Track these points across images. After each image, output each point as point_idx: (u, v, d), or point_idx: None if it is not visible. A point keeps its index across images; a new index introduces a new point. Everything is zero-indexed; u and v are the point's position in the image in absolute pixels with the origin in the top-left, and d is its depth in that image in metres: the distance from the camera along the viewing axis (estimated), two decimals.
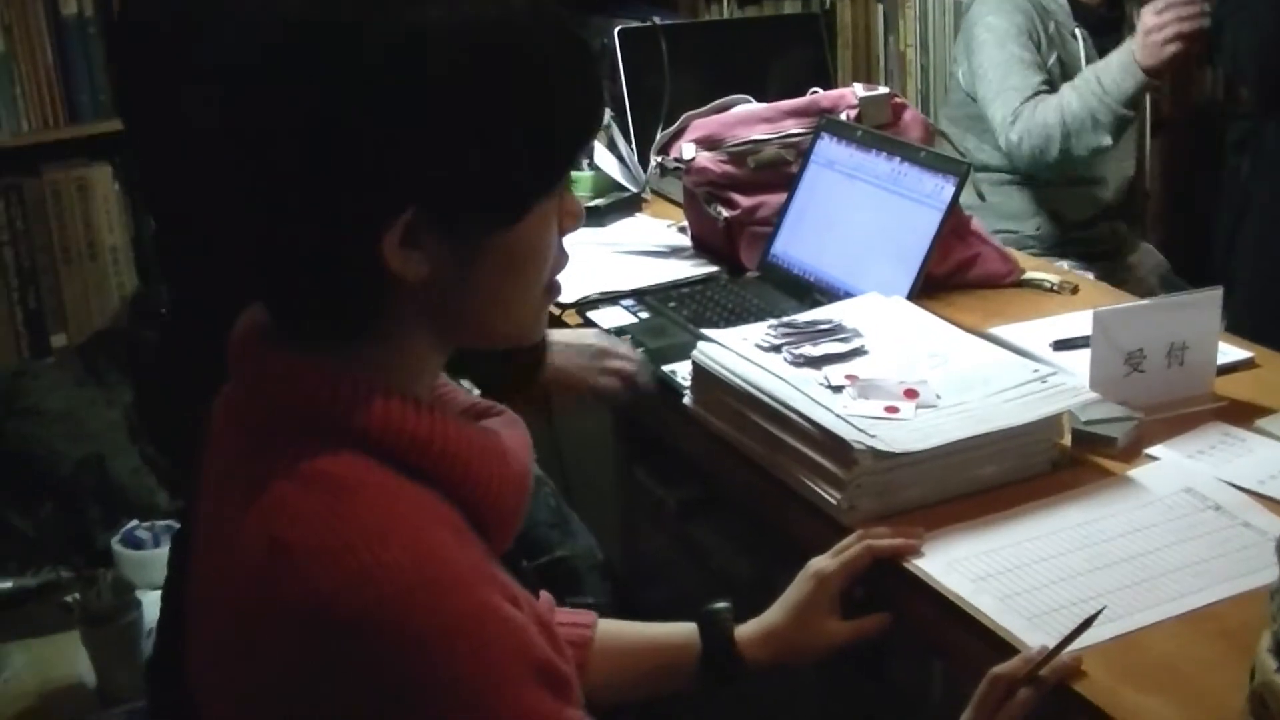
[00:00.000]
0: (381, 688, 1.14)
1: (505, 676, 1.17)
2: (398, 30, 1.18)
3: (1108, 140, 3.47)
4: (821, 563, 1.78)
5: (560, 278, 1.36)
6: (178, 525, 3.43)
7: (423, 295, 1.24)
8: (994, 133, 3.59)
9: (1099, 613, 1.55)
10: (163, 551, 3.41)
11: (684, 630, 1.78)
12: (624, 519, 2.72)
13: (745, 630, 1.78)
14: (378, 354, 1.27)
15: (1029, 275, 2.74)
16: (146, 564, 3.38)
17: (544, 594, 1.66)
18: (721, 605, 1.79)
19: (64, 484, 3.53)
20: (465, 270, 1.25)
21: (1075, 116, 3.45)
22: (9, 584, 3.36)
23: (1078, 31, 3.71)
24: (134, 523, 3.53)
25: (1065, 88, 3.52)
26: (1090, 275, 3.46)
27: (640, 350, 2.43)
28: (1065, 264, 3.57)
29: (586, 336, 2.45)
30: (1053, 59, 3.67)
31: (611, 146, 3.52)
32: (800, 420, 1.91)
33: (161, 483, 3.64)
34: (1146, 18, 3.34)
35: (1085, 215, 3.76)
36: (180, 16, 2.15)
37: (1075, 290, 2.69)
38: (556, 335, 2.41)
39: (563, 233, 1.33)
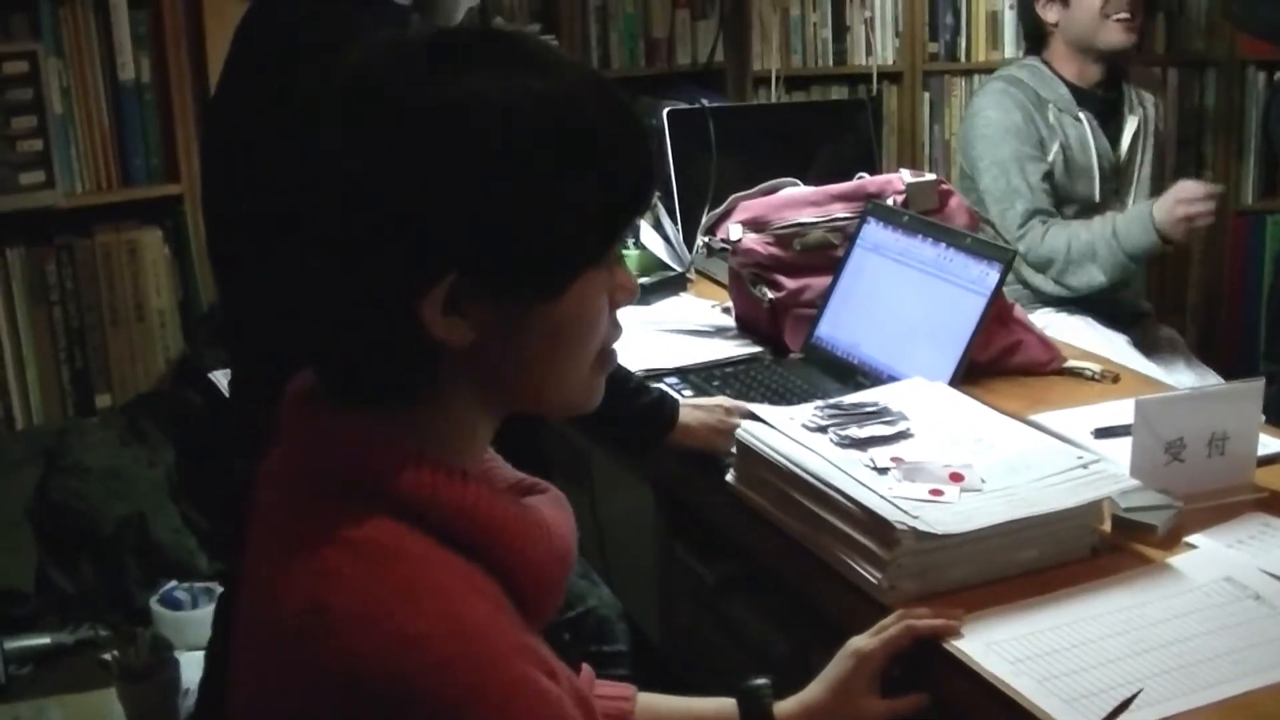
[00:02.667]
0: None
1: None
2: (445, 100, 1.19)
3: (1102, 278, 3.66)
4: (862, 641, 1.79)
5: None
6: (218, 588, 3.46)
7: (469, 362, 1.25)
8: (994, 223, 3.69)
9: (1136, 695, 1.56)
10: (200, 613, 3.44)
11: (723, 706, 1.79)
12: (662, 594, 2.73)
13: (784, 706, 1.78)
14: (426, 420, 1.27)
15: (1070, 364, 2.76)
16: (183, 625, 3.41)
17: (585, 668, 1.68)
18: (761, 681, 1.80)
19: (105, 542, 3.55)
20: (511, 338, 1.25)
21: (1081, 249, 3.64)
22: (47, 639, 3.38)
23: (1082, 115, 3.80)
24: (173, 583, 3.55)
25: (1078, 224, 3.67)
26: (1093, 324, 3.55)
27: None
28: (1080, 320, 3.64)
29: (718, 398, 2.52)
30: (1054, 149, 3.77)
31: (657, 226, 3.57)
32: (844, 500, 1.93)
33: (201, 544, 3.67)
34: (1184, 188, 3.47)
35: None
36: (263, 85, 2.21)
37: (1116, 379, 2.71)
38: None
39: (615, 306, 1.33)
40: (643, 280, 3.39)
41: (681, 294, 3.43)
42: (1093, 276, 3.65)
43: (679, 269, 3.45)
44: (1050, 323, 3.62)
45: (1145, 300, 3.95)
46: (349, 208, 1.20)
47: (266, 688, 1.23)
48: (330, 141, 1.23)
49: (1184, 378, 3.55)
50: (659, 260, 3.49)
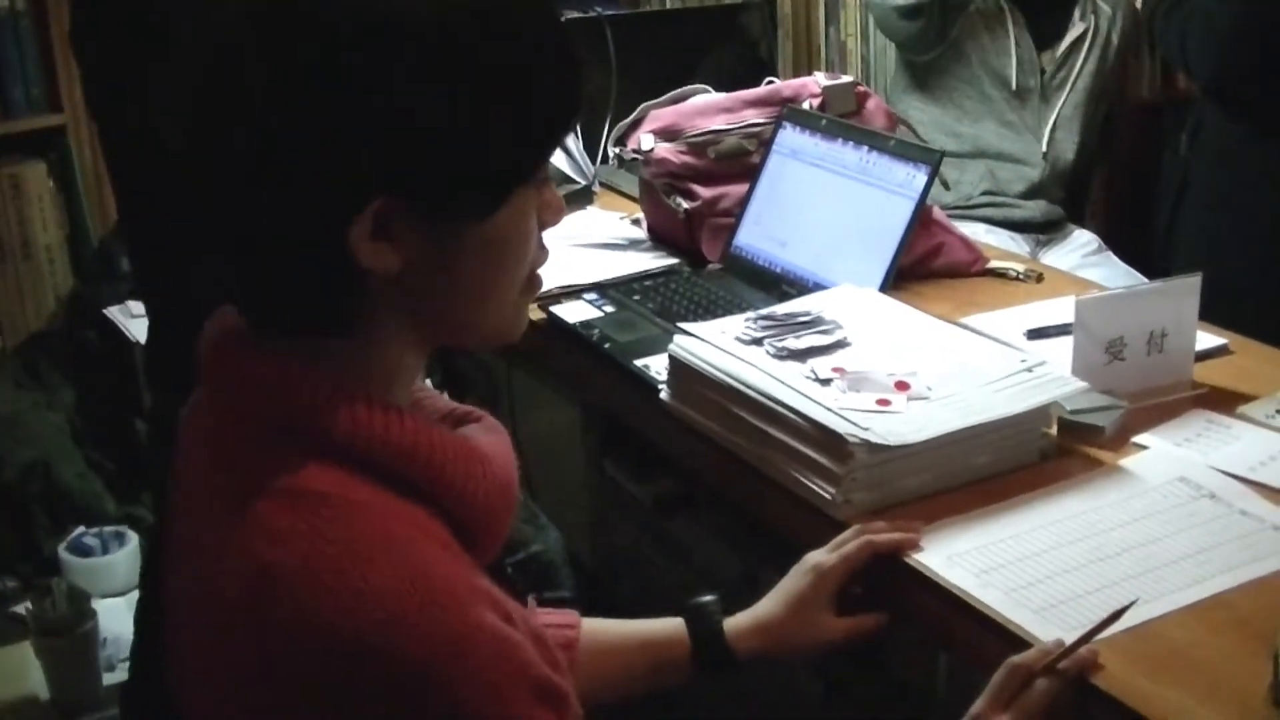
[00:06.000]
0: (378, 713, 1.10)
1: (505, 698, 1.14)
2: (363, 14, 1.13)
3: None
4: (820, 557, 1.75)
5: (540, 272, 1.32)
6: (128, 531, 3.36)
7: (398, 291, 1.20)
8: None
9: (1130, 605, 1.53)
10: (111, 559, 3.35)
11: (671, 625, 1.75)
12: (594, 515, 2.68)
13: (735, 622, 1.75)
14: (354, 355, 1.22)
15: (994, 264, 2.72)
16: (96, 572, 3.31)
17: (529, 600, 1.63)
18: (708, 598, 1.76)
19: (8, 491, 3.45)
20: (441, 263, 1.20)
21: None
22: None
23: (1004, 3, 3.76)
24: (81, 529, 3.45)
25: None
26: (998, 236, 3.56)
27: (608, 345, 2.40)
28: (981, 227, 3.62)
29: None
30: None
31: None
32: (790, 415, 1.88)
33: (108, 487, 3.57)
34: None
35: (1015, 190, 3.79)
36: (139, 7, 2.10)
37: (1040, 279, 2.68)
38: None
39: (543, 226, 1.28)
40: None
41: (588, 207, 3.36)
42: None
43: (584, 182, 3.38)
44: None
45: (1055, 206, 3.91)
46: (263, 133, 1.13)
47: (216, 654, 1.17)
48: (240, 59, 1.15)
49: (1100, 275, 3.52)
50: (562, 173, 3.42)
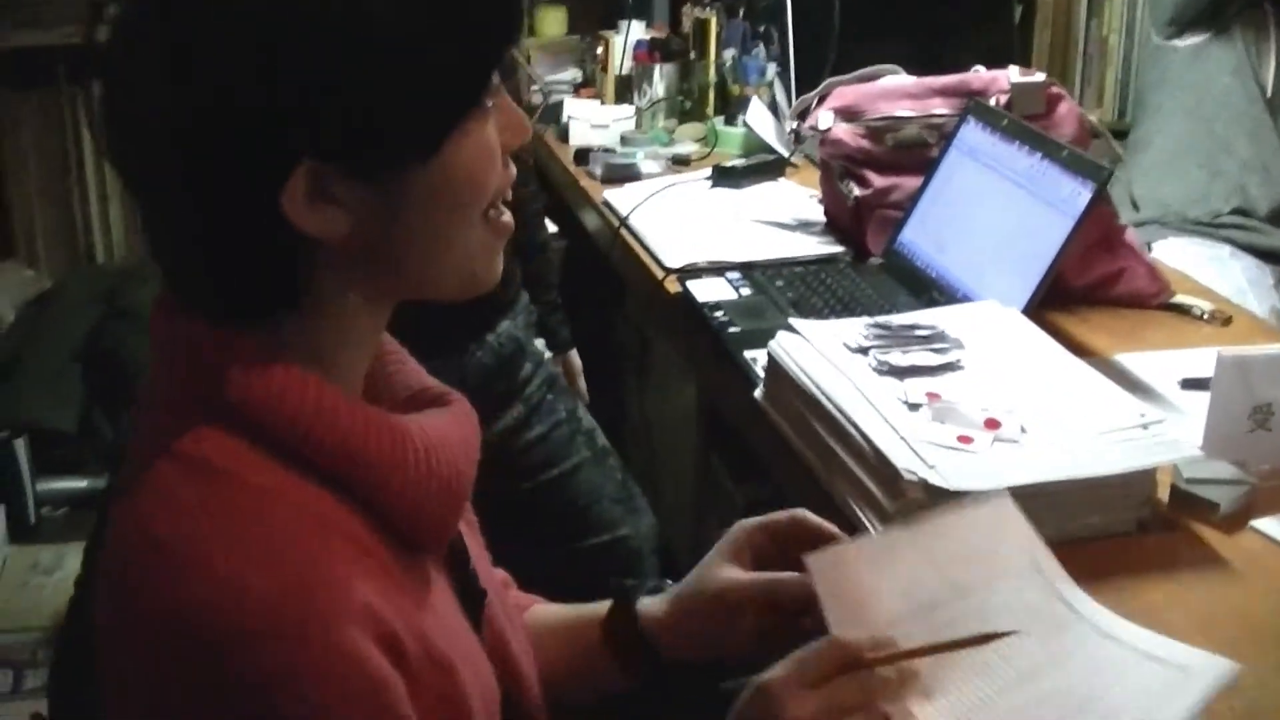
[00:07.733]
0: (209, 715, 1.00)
1: None
2: None
3: None
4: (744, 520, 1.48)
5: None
6: None
7: (353, 251, 1.09)
8: None
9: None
10: None
11: (600, 609, 1.50)
12: (697, 506, 2.52)
13: (651, 601, 1.48)
14: (301, 325, 1.12)
15: (1179, 299, 2.46)
16: None
17: (501, 574, 1.48)
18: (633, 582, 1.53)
19: None
20: (392, 215, 1.09)
21: None
22: (83, 483, 3.27)
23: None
24: None
25: None
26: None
27: (730, 330, 2.23)
28: (1226, 249, 3.38)
29: None
30: None
31: (772, 106, 3.33)
32: (857, 436, 1.69)
33: None
34: None
35: (1264, 210, 3.52)
36: None
37: (1228, 321, 2.41)
38: None
39: (505, 148, 1.16)
40: (736, 162, 3.16)
41: (780, 179, 3.18)
42: None
43: (784, 153, 3.21)
44: (1186, 249, 3.34)
45: None
46: (170, 99, 1.04)
47: (100, 616, 1.08)
48: (146, 21, 1.06)
49: None
50: (762, 142, 3.25)
